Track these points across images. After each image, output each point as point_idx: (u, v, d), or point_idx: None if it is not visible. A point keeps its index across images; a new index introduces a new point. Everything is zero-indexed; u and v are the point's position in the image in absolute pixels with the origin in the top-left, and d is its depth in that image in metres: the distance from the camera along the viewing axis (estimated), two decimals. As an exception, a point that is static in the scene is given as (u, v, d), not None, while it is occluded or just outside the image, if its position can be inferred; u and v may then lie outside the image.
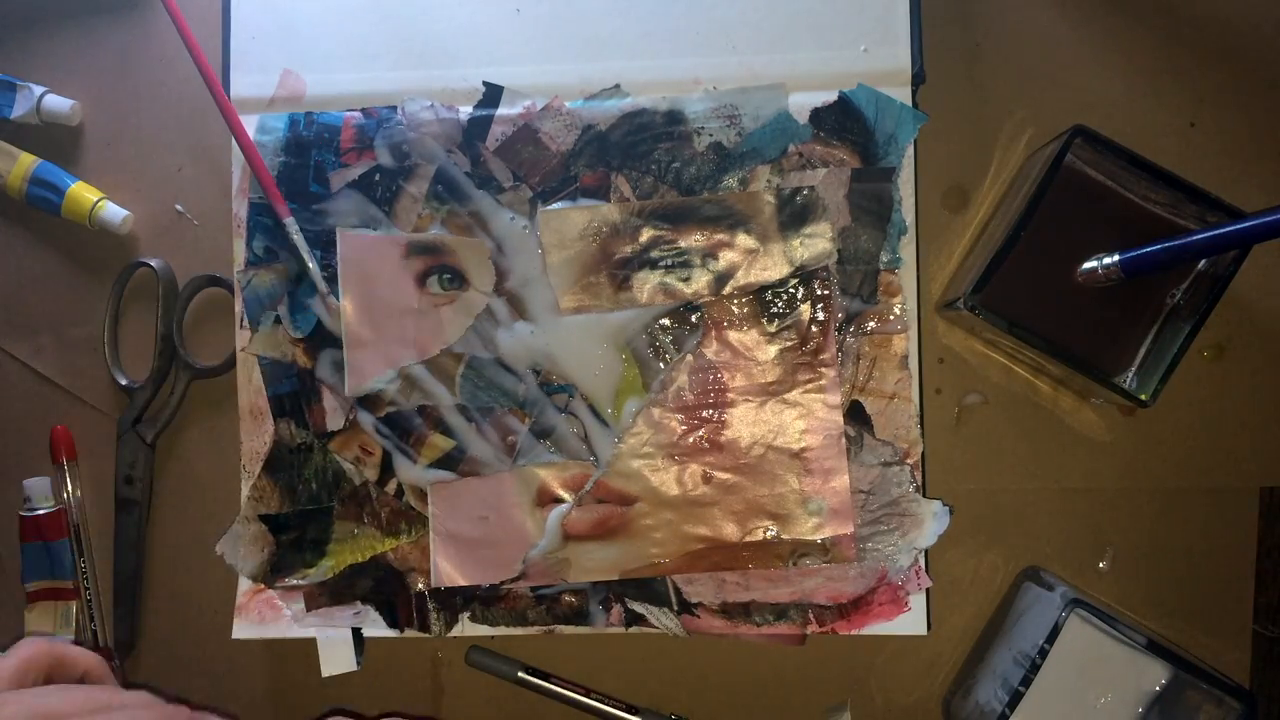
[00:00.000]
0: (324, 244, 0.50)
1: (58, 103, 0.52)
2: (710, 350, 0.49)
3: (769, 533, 0.48)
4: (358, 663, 0.50)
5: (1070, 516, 0.49)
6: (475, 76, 0.50)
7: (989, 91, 0.49)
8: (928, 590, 0.48)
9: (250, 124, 0.50)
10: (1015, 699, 0.42)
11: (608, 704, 0.49)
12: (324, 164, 0.50)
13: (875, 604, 0.48)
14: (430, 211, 0.50)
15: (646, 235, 0.49)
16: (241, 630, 0.50)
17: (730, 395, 0.49)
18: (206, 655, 0.52)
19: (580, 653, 0.50)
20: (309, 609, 0.50)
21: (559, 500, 0.49)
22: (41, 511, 0.52)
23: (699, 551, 0.48)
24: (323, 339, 0.50)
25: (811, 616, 0.48)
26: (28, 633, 0.52)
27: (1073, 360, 0.43)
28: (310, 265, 0.50)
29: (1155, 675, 0.43)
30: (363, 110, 0.51)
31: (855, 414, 0.48)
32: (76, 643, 0.51)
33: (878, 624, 0.48)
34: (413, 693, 0.51)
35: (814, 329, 0.48)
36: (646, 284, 0.49)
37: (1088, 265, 0.43)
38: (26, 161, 0.52)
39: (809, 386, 0.48)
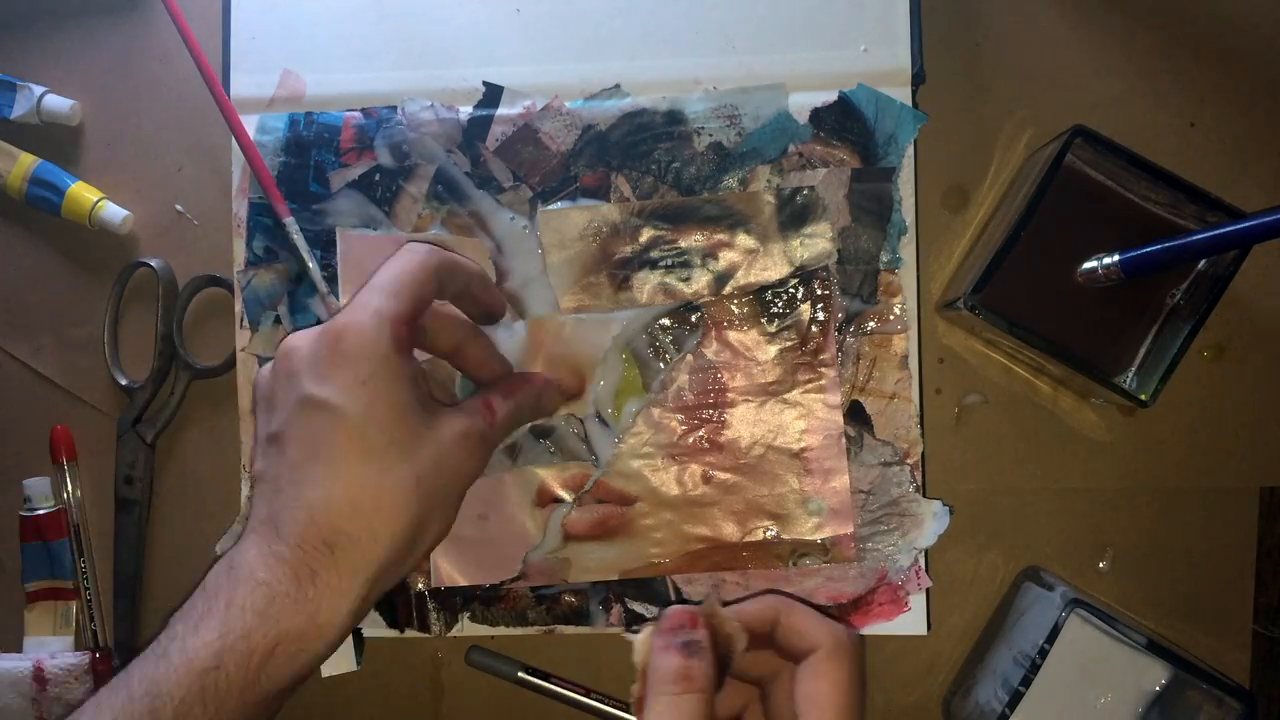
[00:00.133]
0: (324, 244, 0.50)
1: (58, 103, 0.52)
2: (710, 350, 0.49)
3: (769, 533, 0.48)
4: (358, 663, 0.50)
5: (1070, 516, 0.49)
6: (475, 76, 0.50)
7: (989, 91, 0.49)
8: (928, 590, 0.48)
9: (250, 124, 0.50)
10: (1015, 699, 0.42)
11: (608, 704, 0.49)
12: (324, 164, 0.50)
13: (875, 604, 0.48)
14: (430, 211, 0.50)
15: (646, 235, 0.49)
16: (241, 630, 0.50)
17: (730, 395, 0.49)
18: (206, 655, 0.52)
19: (580, 653, 0.50)
20: (309, 609, 0.50)
21: (559, 500, 0.49)
22: (41, 511, 0.52)
23: (699, 551, 0.48)
24: (323, 339, 0.50)
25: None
26: (27, 634, 0.52)
27: (1073, 360, 0.43)
28: (310, 265, 0.49)
29: (1155, 675, 0.43)
30: (363, 110, 0.51)
31: (855, 414, 0.48)
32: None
33: (878, 624, 0.48)
34: (413, 693, 0.51)
35: (814, 329, 0.48)
36: (646, 284, 0.49)
37: (1088, 265, 0.43)
38: (26, 161, 0.52)
39: (809, 386, 0.48)
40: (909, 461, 0.48)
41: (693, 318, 0.49)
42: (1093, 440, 0.49)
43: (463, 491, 0.41)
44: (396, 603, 0.50)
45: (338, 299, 0.50)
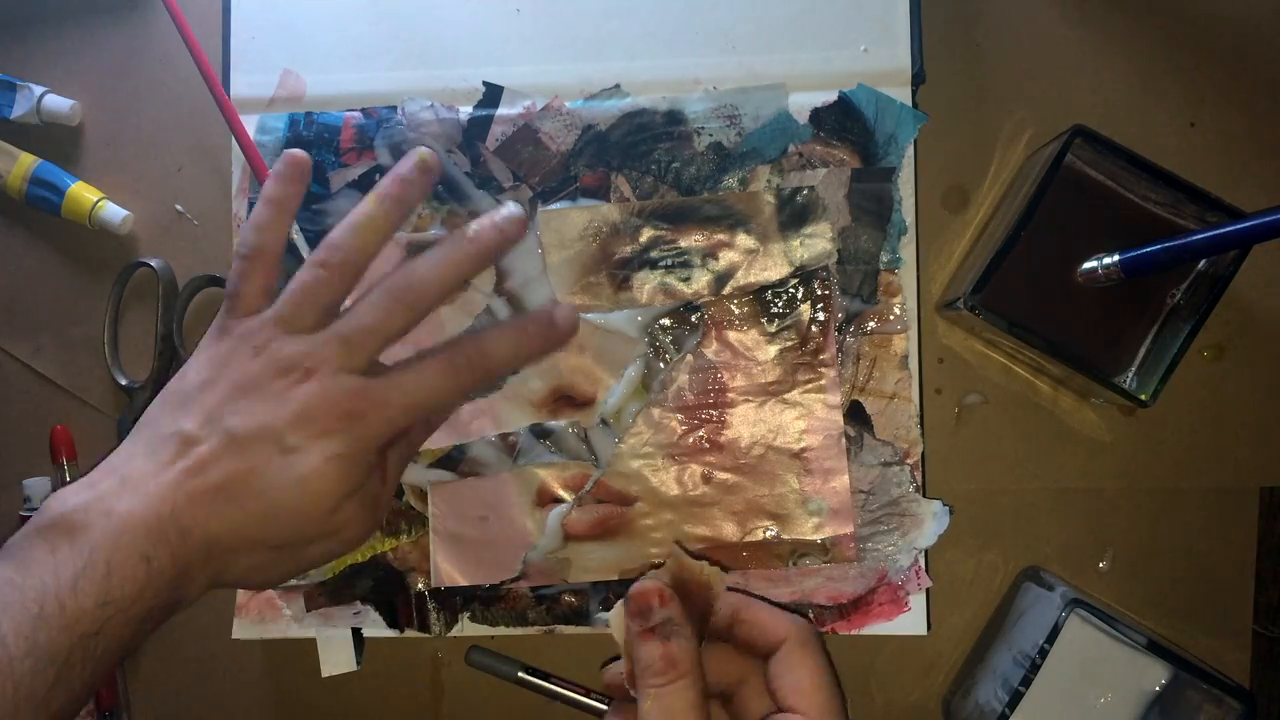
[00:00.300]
0: (324, 244, 0.50)
1: (58, 103, 0.52)
2: (710, 350, 0.49)
3: (769, 533, 0.48)
4: (358, 663, 0.50)
5: (1070, 516, 0.49)
6: (475, 76, 0.50)
7: (989, 91, 0.49)
8: (928, 590, 0.48)
9: (250, 124, 0.50)
10: (1015, 699, 0.42)
11: (608, 704, 0.49)
12: (324, 164, 0.50)
13: (875, 604, 0.48)
14: (430, 211, 0.50)
15: (646, 235, 0.49)
16: (241, 630, 0.50)
17: (730, 395, 0.49)
18: (206, 655, 0.52)
19: (580, 653, 0.50)
20: (309, 609, 0.50)
21: (559, 500, 0.49)
22: (41, 511, 0.52)
23: (699, 551, 0.48)
24: (323, 339, 0.50)
25: (811, 616, 0.48)
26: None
27: (1073, 360, 0.43)
28: (310, 265, 0.49)
29: (1155, 675, 0.43)
30: (363, 110, 0.51)
31: (855, 414, 0.48)
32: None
33: (878, 624, 0.48)
34: (413, 693, 0.51)
35: (814, 329, 0.48)
36: (646, 284, 0.49)
37: (1088, 265, 0.43)
38: (26, 161, 0.52)
39: (809, 386, 0.48)
40: (909, 461, 0.48)
41: (693, 318, 0.49)
42: (1093, 440, 0.49)
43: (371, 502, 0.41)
44: (396, 603, 0.50)
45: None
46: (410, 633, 0.50)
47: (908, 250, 0.48)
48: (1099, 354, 0.43)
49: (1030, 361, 0.48)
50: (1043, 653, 0.42)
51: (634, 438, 0.49)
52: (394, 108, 0.50)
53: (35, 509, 0.51)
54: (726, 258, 0.49)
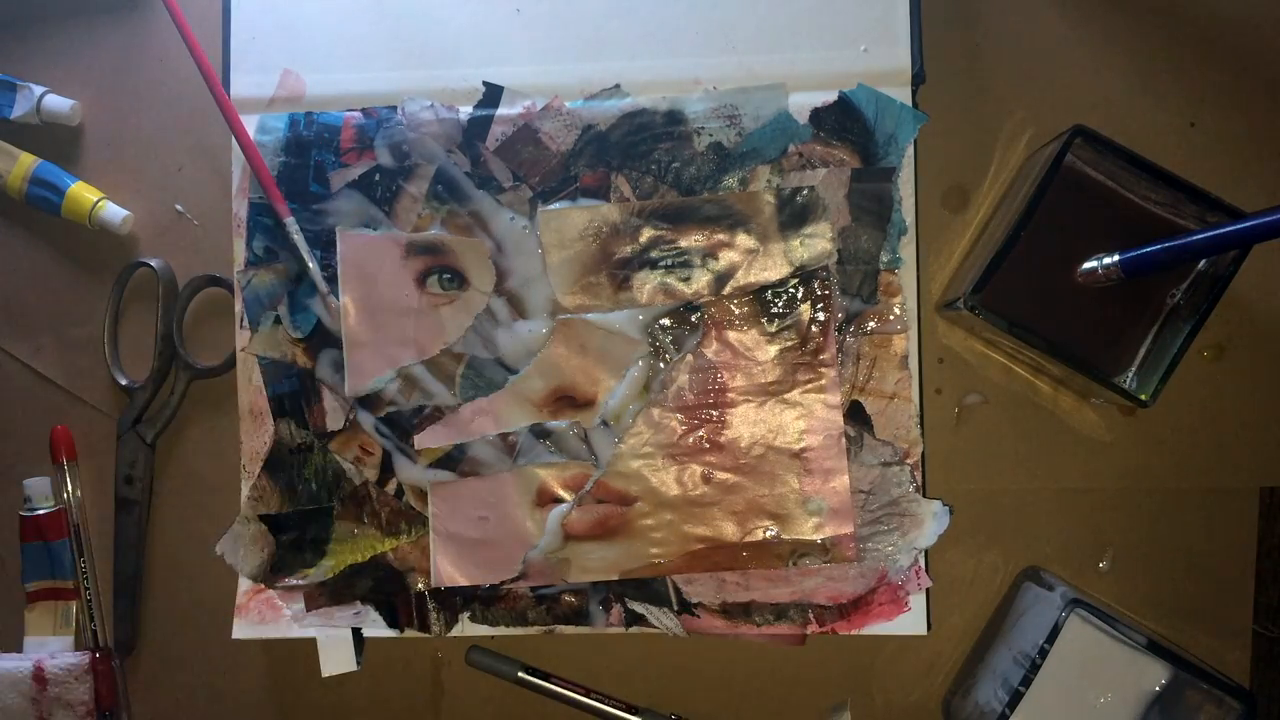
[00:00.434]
0: (324, 244, 0.50)
1: (58, 103, 0.52)
2: (710, 350, 0.49)
3: (769, 533, 0.48)
4: (358, 663, 0.50)
5: (1070, 516, 0.49)
6: (475, 76, 0.50)
7: (989, 91, 0.49)
8: (928, 590, 0.48)
9: (250, 124, 0.50)
10: (1015, 699, 0.42)
11: (608, 704, 0.49)
12: (324, 164, 0.50)
13: (875, 604, 0.48)
14: (430, 211, 0.50)
15: (646, 235, 0.49)
16: (241, 630, 0.50)
17: (730, 395, 0.49)
18: (206, 655, 0.52)
19: (580, 653, 0.50)
20: (309, 609, 0.50)
21: (559, 500, 0.49)
22: (41, 511, 0.52)
23: (699, 551, 0.48)
24: (323, 339, 0.50)
25: (811, 616, 0.48)
26: (27, 634, 0.52)
27: (1073, 360, 0.43)
28: (310, 265, 0.50)
29: (1155, 675, 0.43)
30: (363, 110, 0.51)
31: (855, 414, 0.48)
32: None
33: (878, 624, 0.48)
34: (413, 693, 0.51)
35: (814, 329, 0.48)
36: (646, 284, 0.49)
37: (1088, 265, 0.43)
38: (26, 161, 0.52)
39: (809, 386, 0.48)
40: (909, 461, 0.48)
41: (693, 318, 0.49)
42: (1093, 440, 0.49)
43: None
44: (396, 603, 0.50)
45: (338, 299, 0.50)
46: (410, 633, 0.50)
47: (908, 250, 0.48)
48: (1099, 354, 0.43)
49: (1030, 361, 0.48)
50: (1043, 653, 0.42)
51: (634, 438, 0.49)
52: (394, 108, 0.50)
53: (35, 509, 0.52)
54: (726, 258, 0.49)
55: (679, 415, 0.49)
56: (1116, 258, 0.42)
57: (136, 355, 0.53)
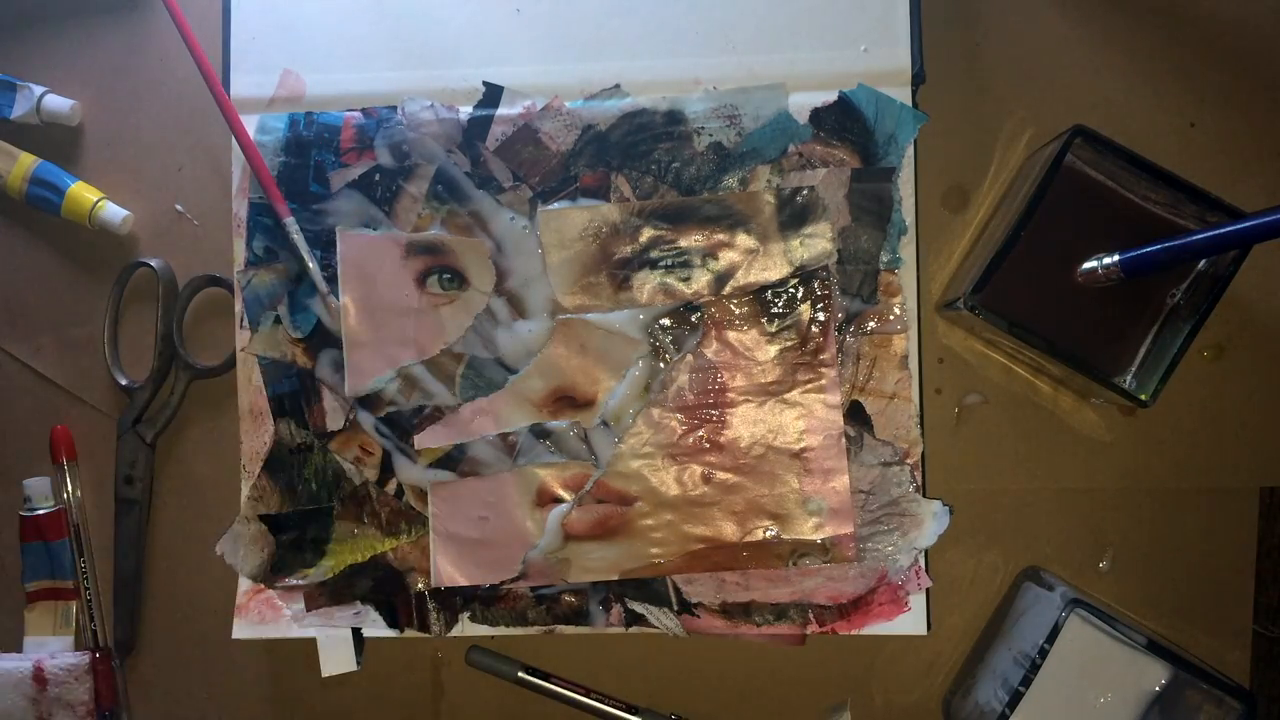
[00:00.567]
0: (324, 244, 0.50)
1: (58, 103, 0.52)
2: (710, 350, 0.49)
3: (769, 533, 0.48)
4: (358, 663, 0.50)
5: (1070, 516, 0.49)
6: (475, 76, 0.50)
7: (989, 91, 0.50)
8: (928, 590, 0.48)
9: (250, 124, 0.50)
10: (1015, 699, 0.42)
11: (608, 704, 0.49)
12: (324, 164, 0.50)
13: (875, 604, 0.48)
14: (430, 211, 0.50)
15: (646, 235, 0.49)
16: (241, 630, 0.50)
17: (730, 395, 0.49)
18: (206, 655, 0.52)
19: (580, 653, 0.50)
20: (309, 609, 0.50)
21: (559, 500, 0.49)
22: (41, 511, 0.52)
23: (699, 551, 0.48)
24: (323, 339, 0.50)
25: (811, 616, 0.48)
26: (27, 634, 0.52)
27: (1073, 360, 0.43)
28: (310, 265, 0.50)
29: (1155, 675, 0.43)
30: (363, 110, 0.51)
31: (855, 414, 0.48)
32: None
33: (878, 624, 0.48)
34: (413, 693, 0.51)
35: (814, 329, 0.48)
36: (646, 284, 0.49)
37: (1088, 265, 0.43)
38: (26, 161, 0.52)
39: (809, 386, 0.48)
40: (909, 461, 0.48)
41: (693, 318, 0.49)
42: (1093, 440, 0.49)
43: None
44: (396, 603, 0.50)
45: (338, 299, 0.50)
46: (410, 633, 0.50)
47: (908, 250, 0.48)
48: (1099, 354, 0.43)
49: (1030, 361, 0.48)
50: (1043, 653, 0.42)
51: (634, 438, 0.49)
52: (394, 108, 0.50)
53: (35, 509, 0.52)
54: (726, 258, 0.49)
55: (679, 415, 0.49)
56: (1116, 258, 0.42)
57: (136, 355, 0.53)
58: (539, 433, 0.49)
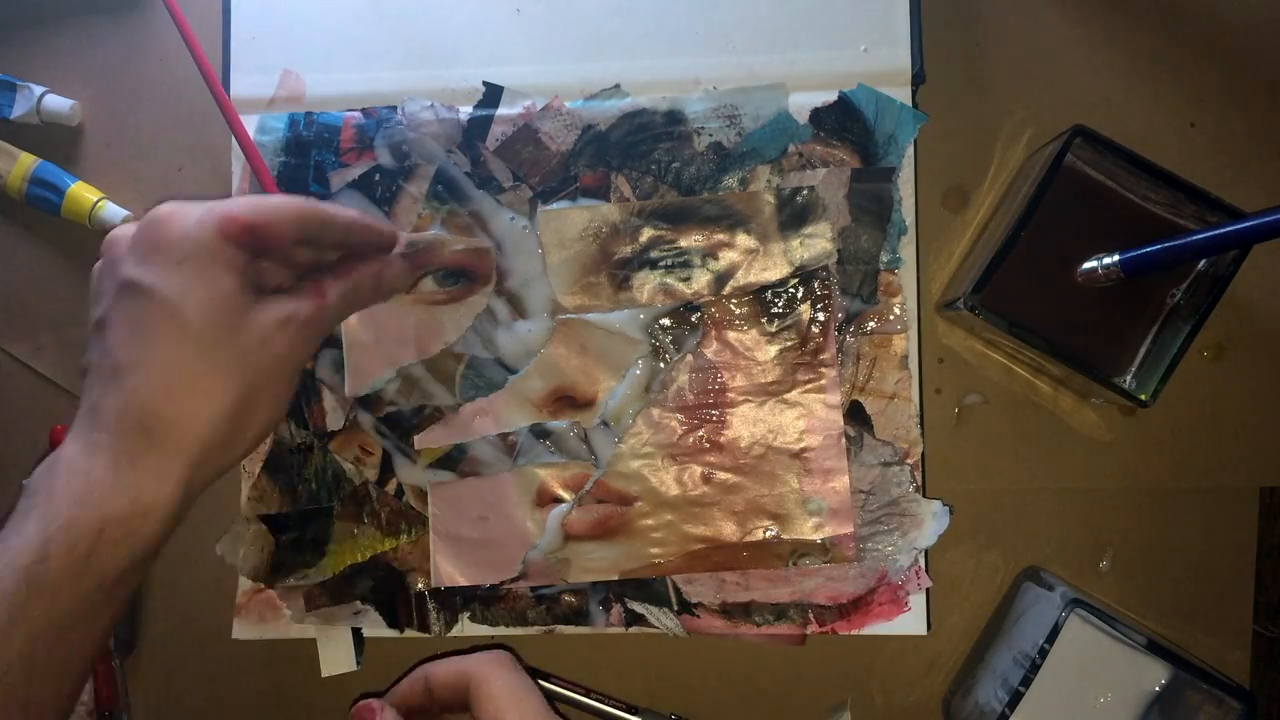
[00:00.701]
0: (324, 244, 0.50)
1: (58, 103, 0.52)
2: (710, 350, 0.49)
3: (769, 533, 0.48)
4: (358, 663, 0.50)
5: (1070, 516, 0.49)
6: (475, 76, 0.50)
7: (989, 91, 0.49)
8: (928, 590, 0.48)
9: (250, 124, 0.50)
10: (1015, 699, 0.42)
11: (608, 704, 0.49)
12: (324, 164, 0.50)
13: (875, 604, 0.48)
14: (430, 211, 0.50)
15: (646, 235, 0.49)
16: (241, 630, 0.50)
17: (730, 395, 0.49)
18: (206, 655, 0.52)
19: (580, 653, 0.50)
20: (309, 609, 0.50)
21: (559, 500, 0.49)
22: (41, 511, 0.52)
23: (699, 551, 0.48)
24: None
25: (811, 616, 0.48)
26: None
27: (1073, 360, 0.43)
28: (310, 265, 0.49)
29: (1155, 675, 0.43)
30: (363, 110, 0.51)
31: (855, 414, 0.48)
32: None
33: (878, 624, 0.48)
34: (413, 693, 0.51)
35: (814, 329, 0.48)
36: (646, 284, 0.49)
37: (1088, 265, 0.43)
38: (26, 161, 0.52)
39: (809, 386, 0.48)
40: (909, 461, 0.48)
41: (693, 318, 0.49)
42: (1093, 440, 0.49)
43: (292, 375, 0.41)
44: (396, 603, 0.50)
45: (338, 299, 0.50)
46: (410, 633, 0.50)
47: (908, 250, 0.48)
48: (1099, 354, 0.43)
49: (1030, 361, 0.48)
50: (1043, 653, 0.42)
51: (634, 438, 0.49)
52: (394, 108, 0.50)
53: (35, 509, 0.51)
54: (726, 258, 0.49)
55: (679, 415, 0.49)
56: (1116, 258, 0.42)
57: (136, 355, 0.53)
58: (539, 433, 0.49)
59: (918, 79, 0.49)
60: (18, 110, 0.52)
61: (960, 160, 0.49)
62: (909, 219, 0.48)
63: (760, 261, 0.49)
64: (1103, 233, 0.43)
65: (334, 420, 0.50)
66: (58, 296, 0.53)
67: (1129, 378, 0.44)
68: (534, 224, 0.49)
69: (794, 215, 0.49)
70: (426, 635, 0.50)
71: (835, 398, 0.48)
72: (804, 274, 0.48)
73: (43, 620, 0.34)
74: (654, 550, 0.48)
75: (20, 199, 0.52)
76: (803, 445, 0.48)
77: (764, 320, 0.49)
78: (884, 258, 0.48)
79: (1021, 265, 0.43)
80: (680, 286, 0.49)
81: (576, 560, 0.48)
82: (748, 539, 0.48)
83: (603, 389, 0.49)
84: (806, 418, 0.48)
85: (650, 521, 0.48)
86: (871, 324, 0.48)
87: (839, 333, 0.48)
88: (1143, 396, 0.42)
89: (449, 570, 0.49)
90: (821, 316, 0.48)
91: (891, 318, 0.48)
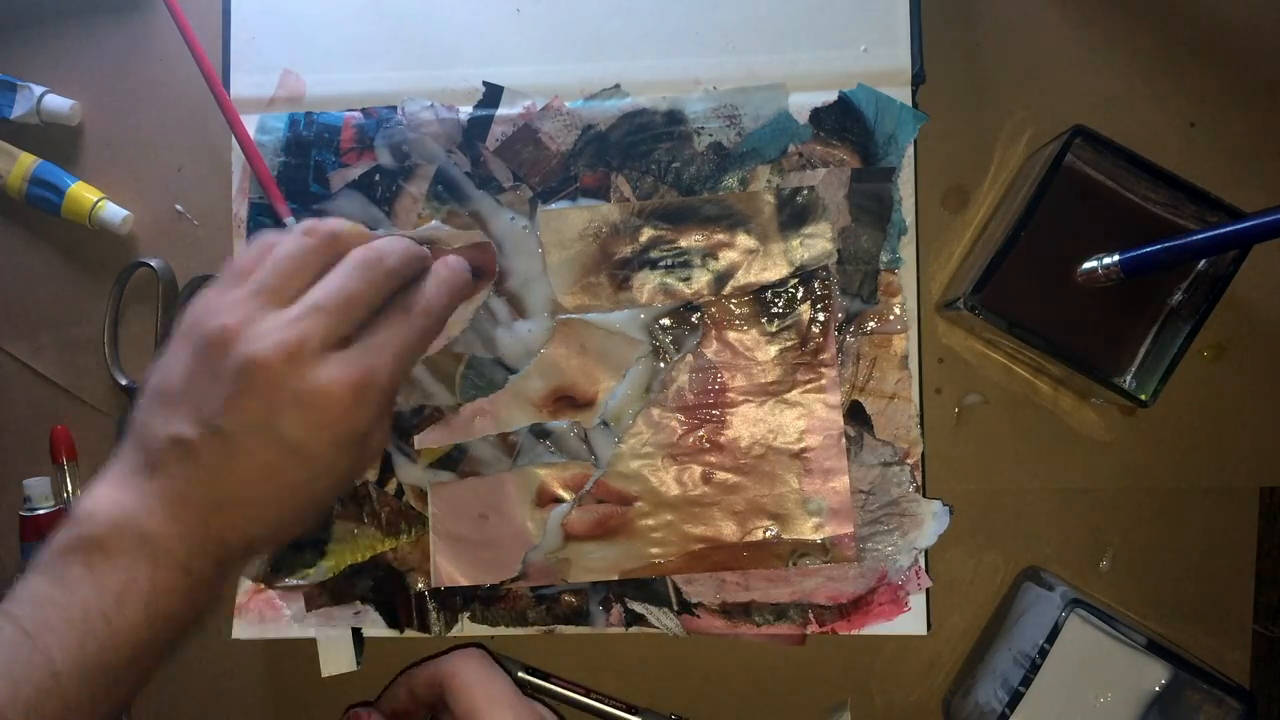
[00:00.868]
0: (324, 244, 0.50)
1: (58, 103, 0.52)
2: (710, 350, 0.49)
3: (769, 533, 0.48)
4: (358, 663, 0.50)
5: (1070, 516, 0.49)
6: (475, 76, 0.50)
7: (989, 91, 0.49)
8: (928, 590, 0.48)
9: (250, 124, 0.50)
10: (1015, 699, 0.42)
11: (608, 704, 0.49)
12: (324, 164, 0.50)
13: (875, 604, 0.48)
14: (430, 211, 0.50)
15: (646, 235, 0.49)
16: (241, 630, 0.50)
17: (730, 395, 0.49)
18: (206, 655, 0.52)
19: (580, 653, 0.50)
20: (309, 609, 0.50)
21: (559, 500, 0.49)
22: (41, 511, 0.52)
23: (699, 551, 0.48)
24: (323, 339, 0.50)
25: (811, 616, 0.48)
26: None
27: (1073, 360, 0.43)
28: (310, 265, 0.49)
29: (1155, 675, 0.43)
30: (363, 110, 0.51)
31: (855, 414, 0.48)
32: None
33: (878, 624, 0.48)
34: (413, 693, 0.51)
35: (814, 329, 0.48)
36: (646, 284, 0.49)
37: (1088, 265, 0.43)
38: (26, 161, 0.52)
39: (809, 386, 0.48)
40: (909, 461, 0.48)
41: (693, 318, 0.49)
42: (1093, 440, 0.49)
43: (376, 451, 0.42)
44: (396, 603, 0.50)
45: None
46: (410, 633, 0.50)
47: (908, 250, 0.48)
48: (1099, 354, 0.43)
49: (1030, 361, 0.48)
50: (1043, 653, 0.42)
51: (634, 438, 0.49)
52: (394, 108, 0.50)
53: (35, 509, 0.52)
54: (726, 258, 0.49)
55: (679, 415, 0.49)
56: (1116, 258, 0.42)
57: (136, 355, 0.53)
58: (539, 433, 0.49)
59: (918, 79, 0.49)
60: (18, 110, 0.52)
61: (960, 160, 0.49)
62: (909, 219, 0.48)
63: (760, 261, 0.49)
64: (1103, 233, 0.43)
65: (334, 420, 0.50)
66: (58, 296, 0.53)
67: (1129, 378, 0.44)
68: (534, 224, 0.49)
69: (794, 215, 0.49)
70: (426, 635, 0.50)
71: (835, 398, 0.48)
72: (804, 274, 0.48)
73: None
74: (654, 550, 0.48)
75: (20, 199, 0.52)
76: (803, 445, 0.48)
77: (764, 320, 0.49)
78: (884, 258, 0.48)
79: (1021, 265, 0.43)
80: (680, 286, 0.49)
81: (576, 560, 0.48)
82: (748, 539, 0.48)
83: (603, 389, 0.49)
84: (806, 418, 0.48)
85: (650, 521, 0.48)
86: (871, 324, 0.48)
87: (839, 333, 0.48)
88: (1143, 396, 0.42)
89: (449, 570, 0.49)
90: (821, 316, 0.48)
91: (891, 318, 0.48)
